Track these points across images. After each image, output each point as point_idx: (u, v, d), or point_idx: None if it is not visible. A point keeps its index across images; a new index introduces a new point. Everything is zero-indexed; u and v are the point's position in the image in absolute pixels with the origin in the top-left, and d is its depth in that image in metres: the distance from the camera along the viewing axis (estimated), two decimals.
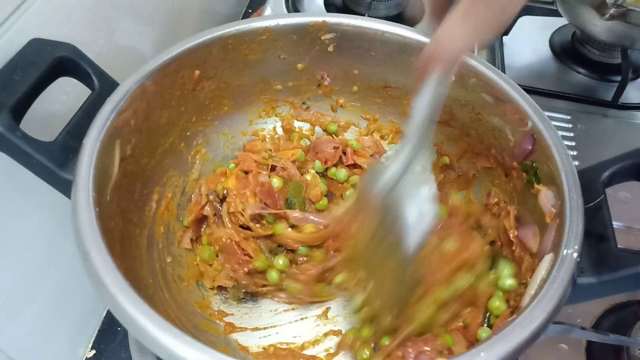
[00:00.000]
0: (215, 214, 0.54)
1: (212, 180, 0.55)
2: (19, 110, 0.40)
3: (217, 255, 0.53)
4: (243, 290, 0.53)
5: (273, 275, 0.51)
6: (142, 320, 0.32)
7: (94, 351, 0.59)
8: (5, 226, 0.44)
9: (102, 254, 0.35)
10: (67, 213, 0.38)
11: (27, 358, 0.50)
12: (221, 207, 0.54)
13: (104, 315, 0.61)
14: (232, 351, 0.48)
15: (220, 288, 0.53)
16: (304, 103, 0.63)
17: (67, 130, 0.42)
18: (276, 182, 0.54)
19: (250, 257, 0.51)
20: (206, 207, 0.54)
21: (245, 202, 0.52)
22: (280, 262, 0.51)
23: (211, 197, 0.54)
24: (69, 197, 0.39)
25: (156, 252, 0.50)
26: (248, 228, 0.52)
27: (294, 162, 0.58)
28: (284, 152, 0.59)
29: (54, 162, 0.40)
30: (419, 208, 0.40)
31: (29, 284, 0.49)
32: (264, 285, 0.52)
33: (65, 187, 0.40)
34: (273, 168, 0.57)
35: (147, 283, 0.46)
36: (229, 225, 0.52)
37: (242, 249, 0.51)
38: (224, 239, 0.52)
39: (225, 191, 0.53)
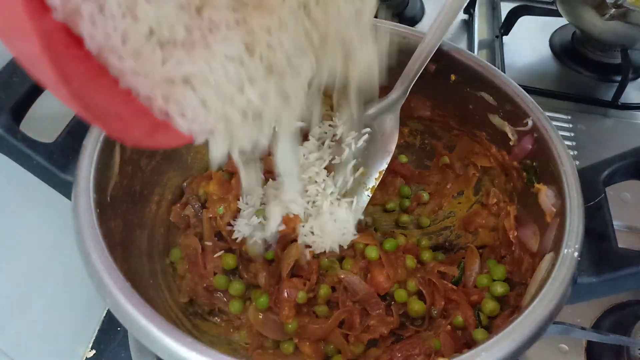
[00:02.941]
0: (196, 217, 0.52)
1: (196, 183, 0.54)
2: (19, 111, 0.40)
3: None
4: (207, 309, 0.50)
5: (235, 305, 0.49)
6: (144, 321, 0.33)
7: (94, 351, 0.59)
8: (5, 227, 0.44)
9: (103, 255, 0.35)
10: (67, 213, 0.38)
11: (27, 358, 0.50)
12: (201, 211, 0.52)
13: (104, 315, 0.61)
14: (232, 352, 0.48)
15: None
16: None
17: (67, 131, 0.42)
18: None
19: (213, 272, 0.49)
20: (186, 209, 0.53)
21: (227, 207, 0.51)
22: (237, 286, 0.49)
23: (191, 199, 0.53)
24: (70, 198, 0.39)
25: (157, 253, 0.50)
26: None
27: None
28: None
29: (54, 163, 0.40)
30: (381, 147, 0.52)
31: (29, 284, 0.49)
32: (220, 311, 0.50)
33: (65, 189, 0.40)
34: None
35: (148, 284, 0.46)
36: (206, 233, 0.50)
37: (204, 262, 0.49)
38: (191, 247, 0.50)
39: (206, 195, 0.52)
